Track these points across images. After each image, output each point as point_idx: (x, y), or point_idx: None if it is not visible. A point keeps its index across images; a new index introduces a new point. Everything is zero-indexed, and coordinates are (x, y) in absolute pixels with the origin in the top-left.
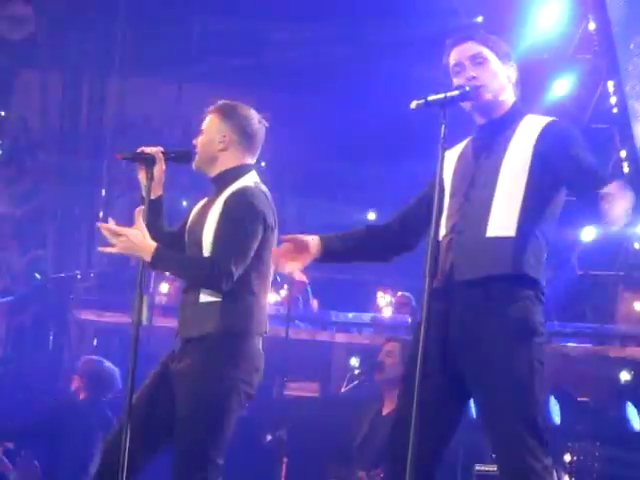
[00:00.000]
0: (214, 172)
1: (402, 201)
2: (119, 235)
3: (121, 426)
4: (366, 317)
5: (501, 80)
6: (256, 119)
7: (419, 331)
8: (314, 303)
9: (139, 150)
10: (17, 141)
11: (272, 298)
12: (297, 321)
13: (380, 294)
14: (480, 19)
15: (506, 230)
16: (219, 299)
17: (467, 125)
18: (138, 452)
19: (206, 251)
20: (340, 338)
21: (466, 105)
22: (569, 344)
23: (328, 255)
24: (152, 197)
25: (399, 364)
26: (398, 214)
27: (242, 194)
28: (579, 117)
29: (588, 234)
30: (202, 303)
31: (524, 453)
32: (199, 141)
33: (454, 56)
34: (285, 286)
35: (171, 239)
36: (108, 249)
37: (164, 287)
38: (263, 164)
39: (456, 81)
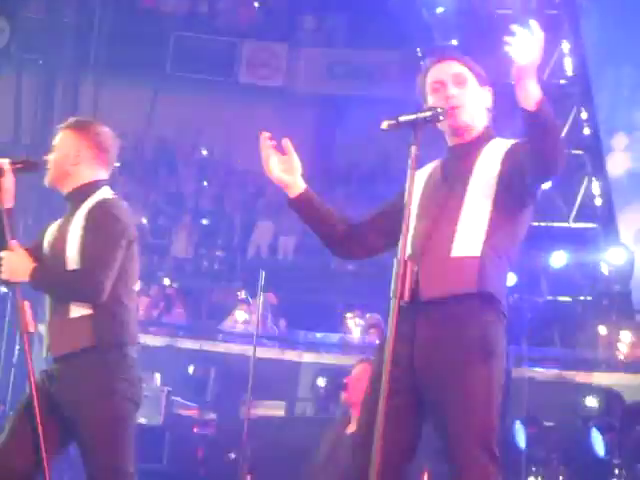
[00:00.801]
0: (68, 188)
1: None
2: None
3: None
4: (334, 338)
5: (478, 103)
6: (110, 135)
7: (382, 351)
8: (281, 323)
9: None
10: None
11: (241, 316)
12: (265, 340)
13: (349, 315)
14: (455, 42)
15: (471, 250)
16: (90, 312)
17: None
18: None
19: (70, 267)
20: (308, 358)
21: (442, 125)
22: (536, 369)
23: (301, 201)
24: (5, 207)
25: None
26: (366, 219)
27: (103, 205)
28: None
29: (558, 260)
30: (72, 318)
31: (477, 472)
32: (52, 158)
33: (434, 73)
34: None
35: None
36: None
37: None
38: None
39: (432, 98)
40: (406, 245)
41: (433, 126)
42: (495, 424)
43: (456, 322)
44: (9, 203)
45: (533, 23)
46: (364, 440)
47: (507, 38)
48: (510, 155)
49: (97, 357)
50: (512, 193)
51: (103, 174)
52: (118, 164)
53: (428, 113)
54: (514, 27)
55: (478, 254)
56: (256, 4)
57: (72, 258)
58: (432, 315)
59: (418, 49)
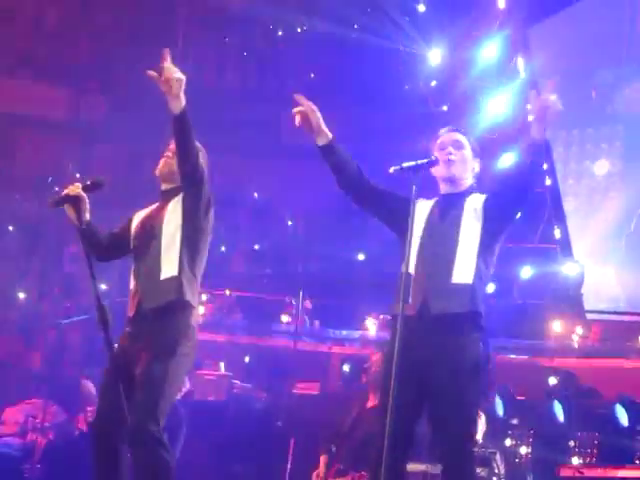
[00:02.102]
0: (168, 185)
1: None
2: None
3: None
4: (356, 334)
5: (468, 166)
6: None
7: (391, 350)
8: (315, 323)
9: (63, 194)
10: None
11: (285, 318)
12: (303, 336)
13: (367, 317)
14: (445, 108)
15: (465, 278)
16: (175, 274)
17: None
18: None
19: (164, 241)
20: (336, 349)
21: (437, 172)
22: (511, 355)
23: (328, 148)
24: (84, 225)
25: (379, 369)
26: (376, 185)
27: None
28: None
29: (526, 272)
30: (163, 279)
31: (463, 440)
32: (169, 158)
33: (442, 139)
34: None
35: (113, 243)
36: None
37: (200, 309)
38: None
39: (437, 154)
40: (409, 263)
41: (428, 171)
42: (475, 419)
43: (455, 333)
44: (87, 218)
45: (550, 83)
46: (382, 414)
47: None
48: (488, 204)
49: (175, 309)
50: (492, 231)
51: None
52: None
53: (425, 160)
54: (531, 93)
55: (470, 281)
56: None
57: (167, 235)
58: (435, 327)
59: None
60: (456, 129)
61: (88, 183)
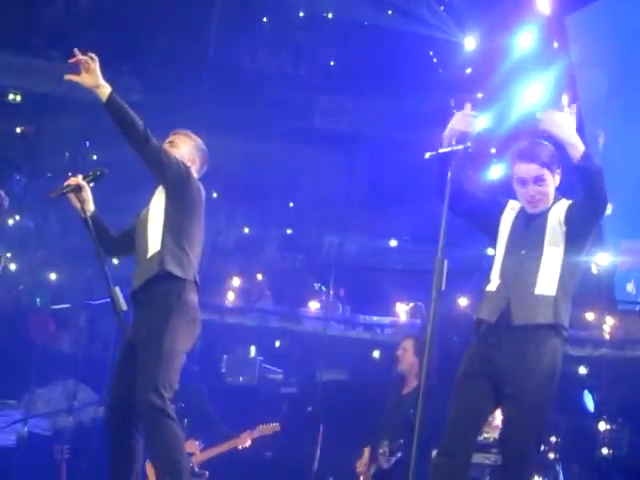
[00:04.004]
0: None
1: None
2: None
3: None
4: (386, 320)
5: (552, 191)
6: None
7: (468, 350)
8: (346, 308)
9: (65, 184)
10: None
11: (315, 304)
12: (334, 322)
13: (398, 303)
14: (480, 95)
15: (549, 290)
16: (159, 249)
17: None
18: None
19: (150, 223)
20: (366, 335)
21: (522, 202)
22: None
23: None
24: (88, 214)
25: (412, 356)
26: (482, 197)
27: None
28: None
29: None
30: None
31: (526, 455)
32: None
33: (520, 171)
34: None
35: (123, 238)
36: (75, 77)
37: (230, 295)
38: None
39: (519, 190)
40: (443, 248)
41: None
42: (542, 428)
43: (534, 344)
44: (90, 208)
45: (564, 99)
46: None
47: (539, 117)
48: (570, 211)
49: (158, 283)
50: (575, 241)
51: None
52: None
53: (460, 147)
54: (542, 111)
55: (554, 293)
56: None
57: (153, 216)
58: (517, 336)
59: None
60: (531, 158)
61: (89, 174)
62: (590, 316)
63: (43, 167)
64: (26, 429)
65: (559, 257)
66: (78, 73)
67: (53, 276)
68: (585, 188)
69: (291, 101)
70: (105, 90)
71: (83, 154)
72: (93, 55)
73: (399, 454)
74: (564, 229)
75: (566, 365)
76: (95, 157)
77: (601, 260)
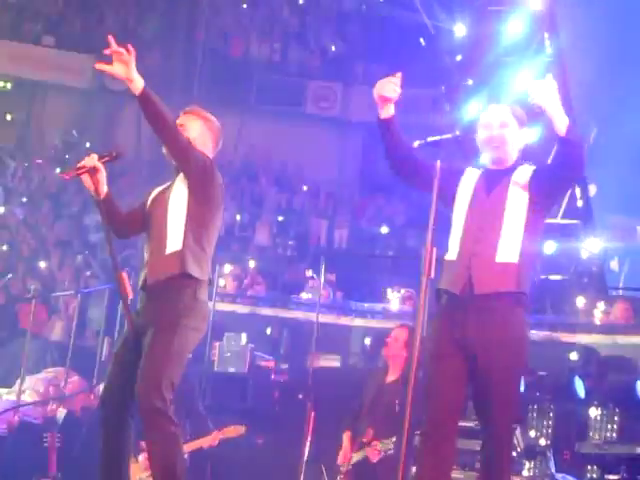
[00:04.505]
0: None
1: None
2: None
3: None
4: (378, 307)
5: (514, 144)
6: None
7: (433, 323)
8: (338, 295)
9: (79, 165)
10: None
11: (307, 291)
12: (325, 309)
13: (389, 290)
14: (470, 82)
15: (511, 257)
16: (180, 248)
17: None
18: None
19: (170, 217)
20: (358, 322)
21: (485, 153)
22: (533, 331)
23: (388, 122)
24: (102, 196)
25: (402, 346)
26: (417, 157)
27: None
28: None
29: (549, 248)
30: (167, 254)
31: (503, 425)
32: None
33: (487, 118)
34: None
35: (130, 219)
36: (106, 67)
37: (222, 281)
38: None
39: (482, 134)
40: (433, 235)
41: (483, 151)
42: (516, 398)
43: (500, 313)
44: (104, 189)
45: (549, 76)
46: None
47: (529, 91)
48: (535, 178)
49: (178, 283)
50: (538, 207)
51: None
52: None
53: (449, 135)
54: (532, 83)
55: (516, 260)
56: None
57: (173, 208)
58: (481, 305)
59: (442, 87)
60: (501, 103)
61: (105, 154)
62: (581, 301)
63: (33, 154)
64: (17, 417)
65: (521, 223)
66: (110, 63)
67: (43, 264)
68: (565, 160)
69: (281, 86)
70: (138, 84)
71: (73, 142)
72: (130, 47)
73: (391, 451)
74: (527, 194)
75: (557, 351)
76: (88, 144)
77: (592, 246)
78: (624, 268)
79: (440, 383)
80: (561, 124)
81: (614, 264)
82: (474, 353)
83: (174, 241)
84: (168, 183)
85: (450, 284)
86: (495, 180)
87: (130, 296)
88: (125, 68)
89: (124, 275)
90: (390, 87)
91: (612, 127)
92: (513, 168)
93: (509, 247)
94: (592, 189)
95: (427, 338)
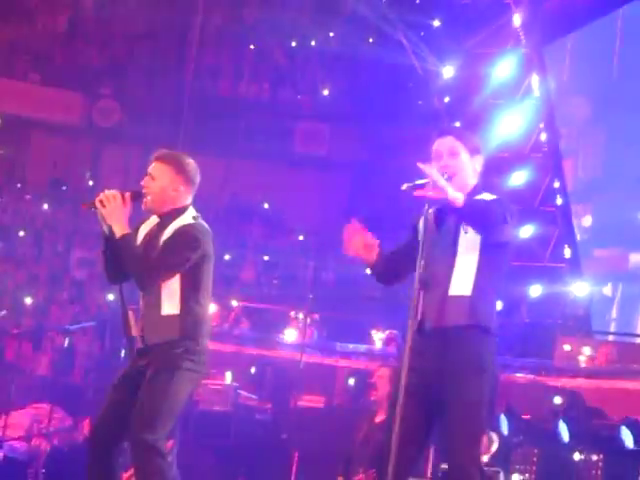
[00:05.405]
0: (162, 211)
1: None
2: (113, 200)
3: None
4: (362, 348)
5: (467, 170)
6: (196, 168)
7: (401, 360)
8: (322, 336)
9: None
10: None
11: (292, 331)
12: (310, 349)
13: (374, 331)
14: (458, 124)
15: (464, 290)
16: (177, 312)
17: None
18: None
19: (165, 290)
20: (342, 363)
21: (420, 192)
22: (517, 374)
23: (376, 264)
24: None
25: (388, 385)
26: (400, 255)
27: (188, 227)
28: (531, 200)
29: (535, 291)
30: (163, 315)
31: (465, 457)
32: (151, 188)
33: (436, 145)
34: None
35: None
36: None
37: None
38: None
39: (434, 165)
40: (421, 278)
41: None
42: (484, 422)
43: (455, 346)
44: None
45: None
46: (389, 427)
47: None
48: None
49: (177, 345)
50: (489, 244)
51: (190, 199)
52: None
53: (424, 180)
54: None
55: (469, 293)
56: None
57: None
58: (435, 339)
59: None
60: (447, 131)
61: (133, 192)
62: (565, 345)
63: (23, 189)
64: (1, 453)
65: (474, 256)
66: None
67: (29, 300)
68: (475, 226)
69: (271, 126)
70: (122, 230)
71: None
72: (115, 193)
73: None
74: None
75: (542, 395)
76: (91, 183)
77: (579, 290)
78: (617, 294)
79: (404, 422)
80: (454, 200)
81: (607, 290)
82: (433, 390)
83: (170, 304)
84: (154, 224)
85: (410, 319)
86: (446, 215)
87: (134, 334)
88: (108, 215)
89: (131, 314)
90: (358, 242)
91: (607, 160)
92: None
93: (461, 280)
94: (587, 220)
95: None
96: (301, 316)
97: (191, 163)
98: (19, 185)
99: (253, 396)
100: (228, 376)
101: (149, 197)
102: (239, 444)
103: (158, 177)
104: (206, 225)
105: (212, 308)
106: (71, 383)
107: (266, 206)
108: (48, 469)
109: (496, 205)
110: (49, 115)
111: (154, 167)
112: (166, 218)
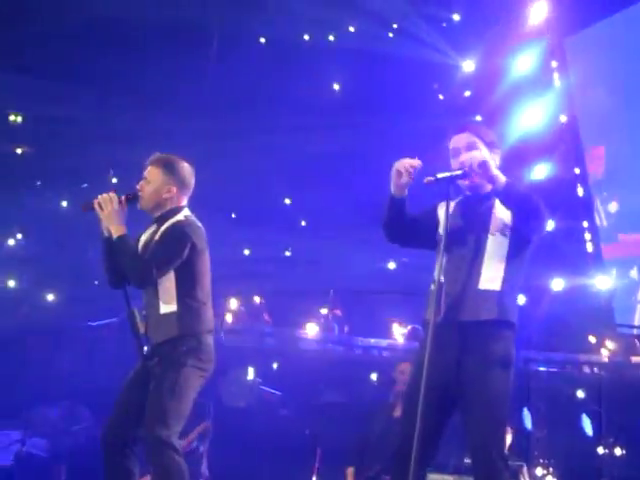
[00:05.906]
0: (157, 213)
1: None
2: (110, 202)
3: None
4: (384, 342)
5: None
6: (191, 171)
7: (421, 354)
8: (345, 331)
9: (96, 200)
10: None
11: (314, 326)
12: (332, 344)
13: (395, 325)
14: (479, 118)
15: (493, 285)
16: (175, 309)
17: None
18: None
19: (162, 287)
20: (364, 357)
21: (462, 182)
22: (540, 368)
23: (400, 203)
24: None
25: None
26: (413, 221)
27: (178, 224)
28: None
29: (557, 284)
30: (163, 314)
31: (493, 451)
32: (146, 190)
33: (453, 142)
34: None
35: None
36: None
37: (229, 316)
38: None
39: (453, 162)
40: (442, 273)
41: (459, 181)
42: (507, 416)
43: (482, 340)
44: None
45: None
46: (407, 422)
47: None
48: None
49: (179, 343)
50: (521, 236)
51: (184, 201)
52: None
53: (459, 172)
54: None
55: (498, 288)
56: None
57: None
58: (462, 333)
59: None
60: (464, 127)
61: (130, 194)
62: (589, 339)
63: (44, 188)
64: (24, 449)
65: (504, 250)
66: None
67: (50, 297)
68: (518, 211)
69: (288, 123)
70: (119, 231)
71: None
72: (112, 196)
73: None
74: (511, 221)
75: (564, 388)
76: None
77: (601, 284)
78: None
79: (422, 417)
80: (497, 177)
81: (634, 273)
82: (457, 381)
83: (167, 302)
84: (151, 230)
85: (433, 313)
86: (474, 207)
87: (142, 331)
88: (105, 217)
89: (136, 311)
90: (407, 167)
91: (632, 148)
92: (492, 193)
93: (491, 274)
94: (613, 206)
95: (415, 373)
96: (324, 311)
97: (185, 166)
98: (39, 182)
99: (276, 392)
100: (251, 372)
101: (144, 199)
102: (262, 440)
103: (152, 180)
104: (198, 222)
105: (233, 304)
106: (93, 380)
107: (287, 202)
108: (70, 466)
109: (535, 196)
110: (70, 114)
111: (149, 171)
112: (161, 220)
